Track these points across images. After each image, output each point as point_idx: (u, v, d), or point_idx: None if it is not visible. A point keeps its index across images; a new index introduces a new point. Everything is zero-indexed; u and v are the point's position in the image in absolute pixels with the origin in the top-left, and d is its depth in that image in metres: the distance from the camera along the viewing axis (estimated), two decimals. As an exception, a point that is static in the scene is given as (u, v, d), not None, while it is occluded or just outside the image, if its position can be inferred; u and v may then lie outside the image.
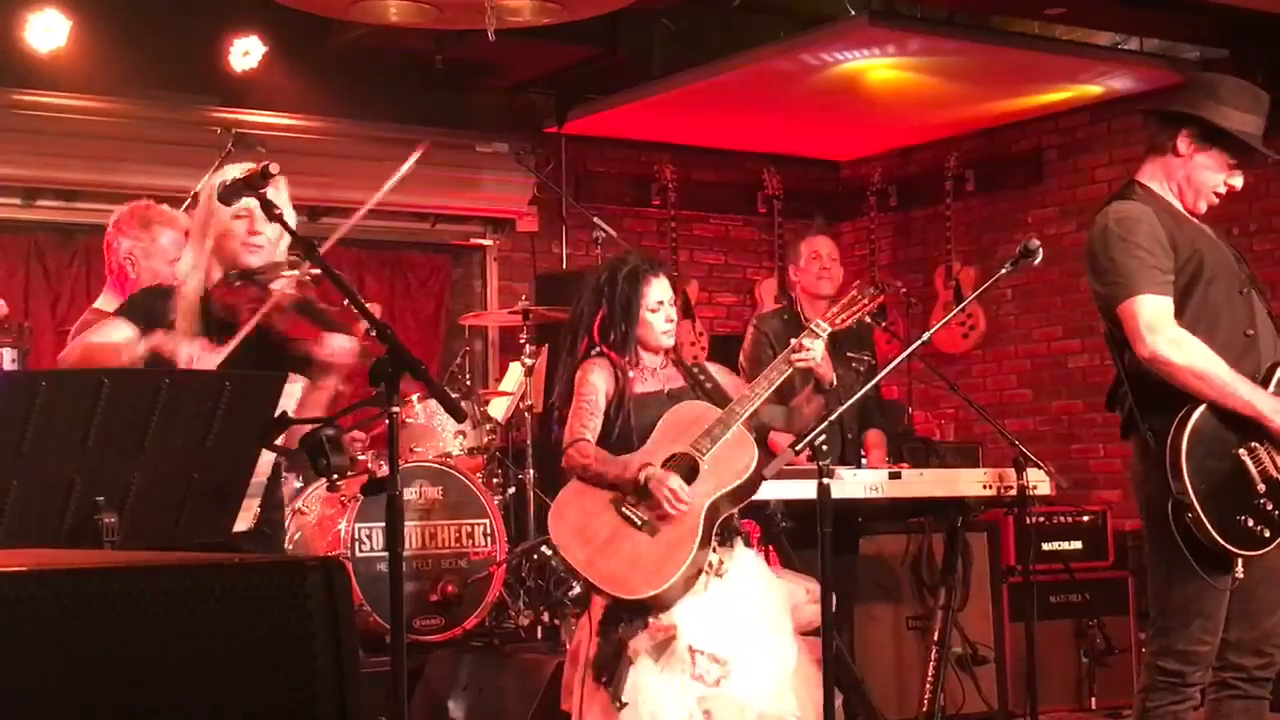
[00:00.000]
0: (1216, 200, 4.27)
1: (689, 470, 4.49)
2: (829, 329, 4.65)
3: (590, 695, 4.46)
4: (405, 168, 3.96)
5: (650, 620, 4.42)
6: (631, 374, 4.68)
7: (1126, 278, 4.10)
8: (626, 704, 4.35)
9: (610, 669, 4.41)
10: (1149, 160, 4.32)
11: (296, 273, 3.85)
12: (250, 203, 3.79)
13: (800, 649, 4.53)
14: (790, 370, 4.58)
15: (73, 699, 1.52)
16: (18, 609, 1.47)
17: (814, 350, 4.58)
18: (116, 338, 3.85)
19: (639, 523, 4.45)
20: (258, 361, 3.76)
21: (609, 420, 4.64)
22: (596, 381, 4.65)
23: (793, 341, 4.64)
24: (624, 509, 4.47)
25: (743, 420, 4.52)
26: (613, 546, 4.45)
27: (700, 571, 4.47)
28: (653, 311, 4.70)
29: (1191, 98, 4.31)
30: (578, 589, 6.47)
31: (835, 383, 4.70)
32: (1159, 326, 4.05)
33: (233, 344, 3.73)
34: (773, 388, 4.56)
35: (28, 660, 1.49)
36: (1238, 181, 4.26)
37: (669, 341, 4.76)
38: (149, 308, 3.94)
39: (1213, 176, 4.23)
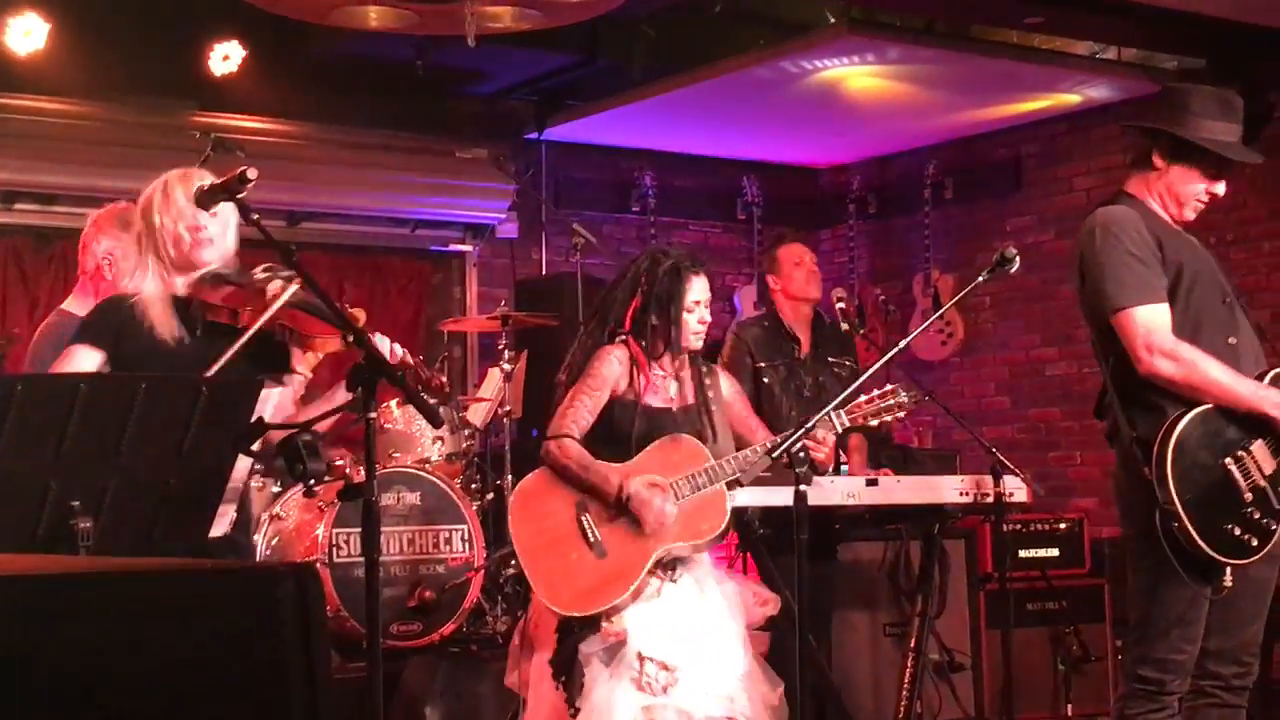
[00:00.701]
0: (1202, 206, 4.29)
1: None
2: (846, 425, 4.59)
3: (548, 691, 4.45)
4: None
5: (602, 624, 4.41)
6: (648, 375, 4.60)
7: (1120, 286, 4.11)
8: (579, 709, 4.34)
9: (567, 671, 4.41)
10: (1133, 174, 4.35)
11: (272, 277, 3.84)
12: (188, 200, 3.81)
13: (749, 650, 4.52)
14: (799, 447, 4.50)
15: (42, 706, 1.51)
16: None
17: (827, 446, 4.56)
18: (86, 368, 3.83)
19: (591, 540, 4.44)
20: (267, 360, 3.77)
21: (609, 413, 4.57)
22: (608, 373, 4.57)
23: (814, 432, 4.46)
24: (582, 518, 4.46)
25: (724, 481, 4.48)
26: (559, 551, 4.44)
27: (648, 580, 4.46)
28: (689, 311, 4.64)
29: (1162, 112, 4.33)
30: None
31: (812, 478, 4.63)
32: (1156, 341, 4.07)
33: (241, 342, 3.70)
34: (769, 460, 4.44)
35: (-2, 666, 1.49)
36: (1219, 189, 4.28)
37: (698, 344, 4.70)
38: (116, 325, 3.90)
39: (1191, 187, 4.25)
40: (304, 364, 3.94)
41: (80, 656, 1.53)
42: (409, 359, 3.98)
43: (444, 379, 4.11)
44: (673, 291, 4.63)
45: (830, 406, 4.39)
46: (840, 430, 4.58)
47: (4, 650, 1.48)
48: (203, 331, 3.85)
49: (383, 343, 3.88)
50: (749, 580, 4.74)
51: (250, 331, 3.69)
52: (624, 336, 4.64)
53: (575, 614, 4.40)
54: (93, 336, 3.89)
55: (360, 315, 3.97)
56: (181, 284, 3.93)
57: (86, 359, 3.84)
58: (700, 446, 4.56)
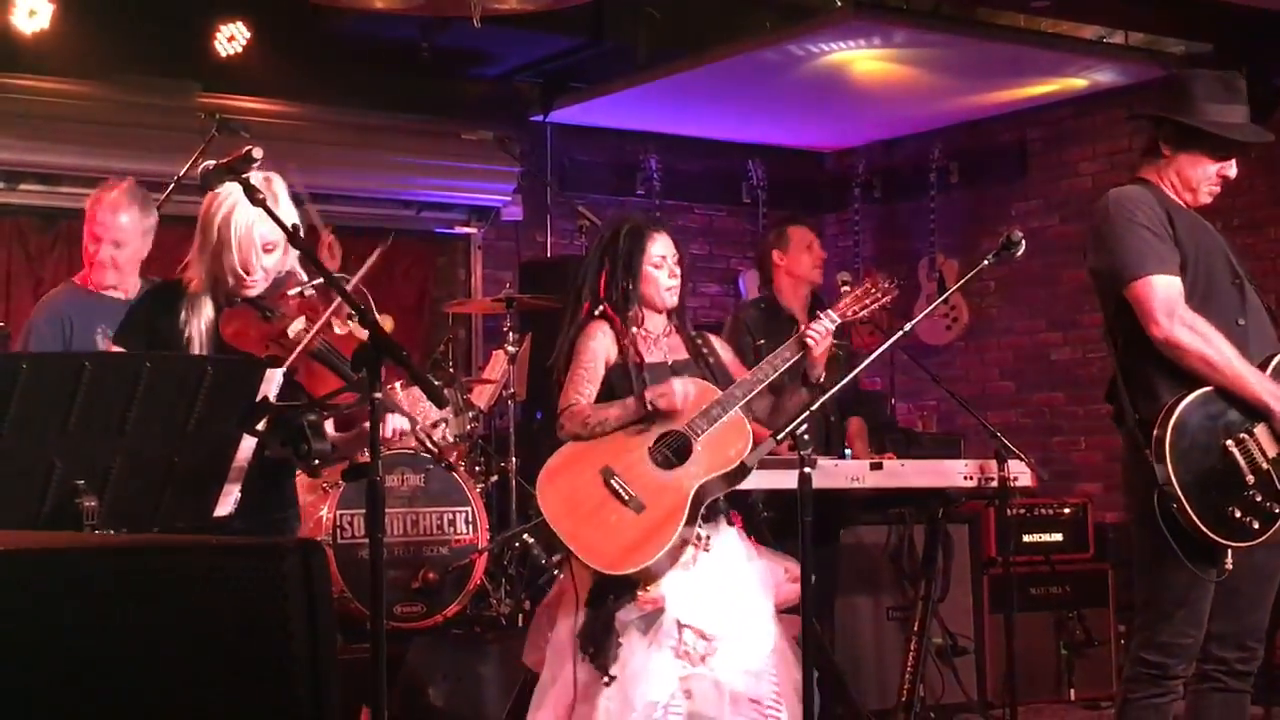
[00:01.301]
0: (1216, 190, 4.27)
1: (683, 449, 4.48)
2: (839, 320, 4.63)
3: (579, 667, 4.45)
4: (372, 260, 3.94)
5: (639, 592, 4.42)
6: (638, 336, 4.63)
7: (1136, 256, 4.11)
8: (615, 678, 4.34)
9: (598, 642, 4.39)
10: (1145, 162, 4.35)
11: (293, 318, 3.83)
12: (250, 238, 3.79)
13: (778, 628, 4.53)
14: (799, 355, 4.57)
15: (49, 678, 1.52)
16: (-5, 588, 1.47)
17: (827, 337, 4.58)
18: None
19: (626, 497, 4.43)
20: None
21: (609, 385, 4.59)
22: (596, 347, 4.60)
23: (808, 327, 4.61)
24: (612, 481, 4.45)
25: (741, 405, 4.51)
26: (598, 518, 4.43)
27: (684, 546, 4.47)
28: (655, 267, 4.65)
29: (1165, 99, 4.35)
30: (560, 575, 6.48)
31: (823, 378, 4.68)
32: (1173, 309, 4.06)
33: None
34: (777, 373, 4.53)
35: (3, 641, 1.49)
36: (1230, 171, 4.27)
37: (672, 300, 4.71)
38: (153, 326, 3.88)
39: (1201, 171, 4.25)
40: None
41: (87, 630, 1.53)
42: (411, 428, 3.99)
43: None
44: (633, 250, 4.65)
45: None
46: (834, 325, 4.61)
47: (14, 623, 1.48)
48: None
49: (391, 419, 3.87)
50: (779, 556, 4.72)
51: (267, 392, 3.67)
52: (601, 309, 4.66)
53: (632, 569, 4.37)
54: (128, 334, 3.91)
55: (388, 323, 3.97)
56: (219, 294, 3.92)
57: None
58: (704, 383, 4.57)
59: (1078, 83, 8.60)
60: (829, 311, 4.65)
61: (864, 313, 4.70)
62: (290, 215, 3.85)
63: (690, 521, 4.43)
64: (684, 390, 4.47)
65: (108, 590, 1.56)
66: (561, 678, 4.45)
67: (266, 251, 3.89)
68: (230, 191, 3.81)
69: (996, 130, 9.42)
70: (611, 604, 4.41)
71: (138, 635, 1.58)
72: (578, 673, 4.42)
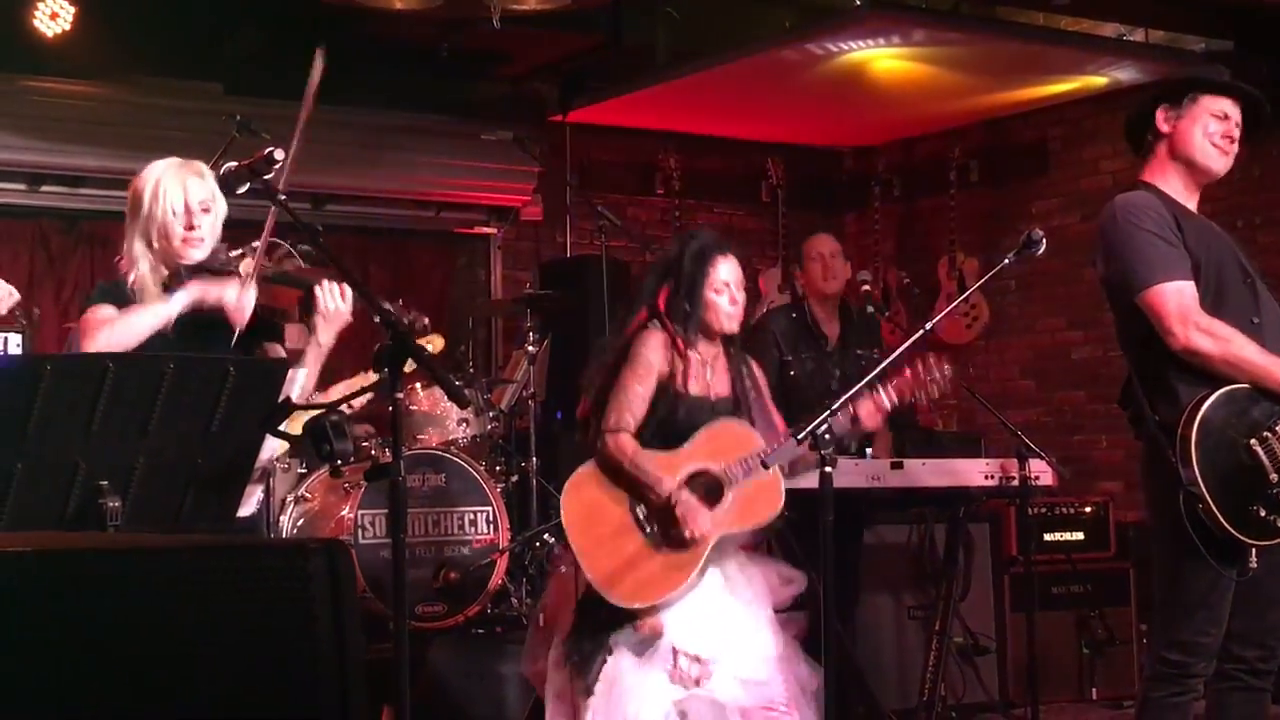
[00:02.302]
0: (1228, 146, 4.26)
1: (714, 491, 4.47)
2: (894, 404, 4.55)
3: (555, 667, 4.44)
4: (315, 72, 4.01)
5: (638, 621, 4.40)
6: (688, 360, 4.57)
7: (1144, 265, 4.11)
8: (595, 694, 4.33)
9: (584, 654, 4.39)
10: (1147, 163, 4.34)
11: (242, 255, 3.88)
12: (182, 197, 3.84)
13: (778, 633, 4.52)
14: (847, 430, 4.50)
15: (75, 680, 1.53)
16: (20, 590, 1.48)
17: (877, 420, 4.55)
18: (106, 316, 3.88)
19: (646, 530, 4.43)
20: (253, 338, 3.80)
21: (657, 402, 4.54)
22: (653, 358, 4.53)
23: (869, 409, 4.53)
24: (637, 509, 4.45)
25: (777, 462, 4.42)
26: (614, 544, 4.42)
27: (687, 593, 4.45)
28: (718, 293, 4.61)
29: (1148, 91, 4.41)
30: (554, 576, 6.48)
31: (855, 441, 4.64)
32: (1189, 317, 4.06)
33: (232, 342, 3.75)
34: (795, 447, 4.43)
35: (31, 641, 1.50)
36: (1233, 111, 4.27)
37: (732, 326, 4.66)
38: (120, 299, 3.93)
39: (1204, 130, 4.25)
40: (306, 339, 3.97)
41: (113, 630, 1.54)
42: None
43: (425, 320, 4.14)
44: (698, 274, 4.61)
45: (851, 392, 4.37)
46: (888, 409, 4.55)
47: (40, 622, 1.50)
48: (189, 323, 3.85)
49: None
50: (771, 561, 4.73)
51: (238, 332, 3.73)
52: (658, 321, 4.61)
53: (639, 605, 4.36)
54: (110, 299, 3.93)
55: (438, 342, 4.04)
56: (163, 273, 3.94)
57: (106, 314, 3.88)
58: (749, 430, 4.54)
59: (1098, 80, 8.58)
60: (888, 389, 4.53)
61: (917, 395, 4.58)
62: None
63: (703, 571, 4.43)
64: (707, 529, 4.41)
65: (132, 590, 1.57)
66: (568, 689, 4.45)
67: (204, 211, 3.94)
68: (153, 167, 3.98)
69: (1017, 128, 9.40)
70: (605, 617, 4.40)
71: (163, 635, 1.59)
72: (561, 679, 4.42)
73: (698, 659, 4.35)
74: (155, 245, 3.93)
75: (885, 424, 4.67)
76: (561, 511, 4.51)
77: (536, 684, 4.65)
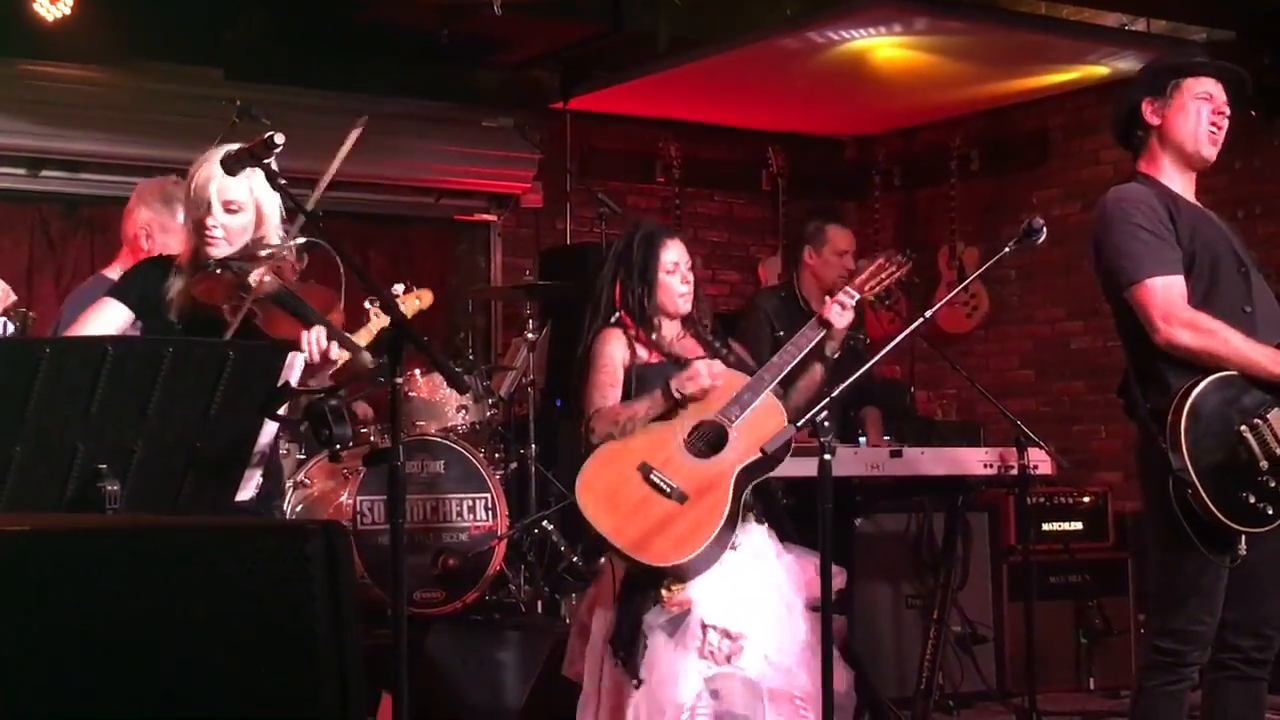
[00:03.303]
0: (1218, 131, 4.27)
1: (718, 438, 4.48)
2: (858, 296, 4.63)
3: (607, 669, 4.45)
4: (350, 140, 3.98)
5: (664, 593, 4.41)
6: (654, 340, 4.66)
7: (1132, 261, 4.13)
8: (643, 681, 4.35)
9: (627, 646, 4.40)
10: (1141, 156, 4.35)
11: (275, 252, 3.87)
12: (208, 191, 3.85)
13: (809, 624, 4.53)
14: (820, 334, 4.57)
15: (71, 659, 1.53)
16: (19, 569, 1.48)
17: (848, 313, 4.59)
18: (108, 320, 3.89)
19: (668, 490, 4.43)
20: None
21: (628, 387, 4.62)
22: (613, 351, 4.64)
23: (827, 300, 4.65)
24: (652, 476, 4.45)
25: (771, 387, 4.50)
26: (641, 513, 4.41)
27: (730, 538, 4.47)
28: (669, 273, 4.70)
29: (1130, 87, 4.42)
30: (579, 562, 6.49)
31: (839, 353, 4.70)
32: (1172, 313, 4.07)
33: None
34: (803, 353, 4.54)
35: (28, 619, 1.50)
36: (1217, 91, 4.29)
37: (686, 306, 4.74)
38: (144, 289, 3.95)
39: (1192, 116, 4.26)
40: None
41: (111, 610, 1.54)
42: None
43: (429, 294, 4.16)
44: (648, 258, 4.71)
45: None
46: (853, 301, 4.62)
47: (37, 601, 1.49)
48: (191, 320, 3.87)
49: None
50: (809, 554, 4.71)
51: (229, 332, 3.73)
52: (617, 317, 4.71)
53: (684, 559, 4.37)
54: (123, 293, 3.96)
55: (427, 296, 4.03)
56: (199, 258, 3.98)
57: (115, 312, 3.90)
58: (730, 370, 4.59)
59: (1100, 70, 8.57)
60: (847, 288, 4.66)
61: (880, 288, 4.72)
62: (268, 194, 3.98)
63: (734, 510, 4.44)
64: (708, 368, 4.48)
65: (130, 571, 1.57)
66: (609, 683, 4.46)
67: (229, 211, 3.94)
68: (206, 155, 3.96)
69: (1018, 118, 9.39)
70: (638, 606, 4.42)
71: (161, 616, 1.59)
72: (609, 675, 4.43)
73: (727, 634, 4.37)
74: (188, 231, 4.02)
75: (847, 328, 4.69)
76: (582, 510, 4.50)
77: (579, 681, 4.66)
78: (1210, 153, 4.29)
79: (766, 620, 4.46)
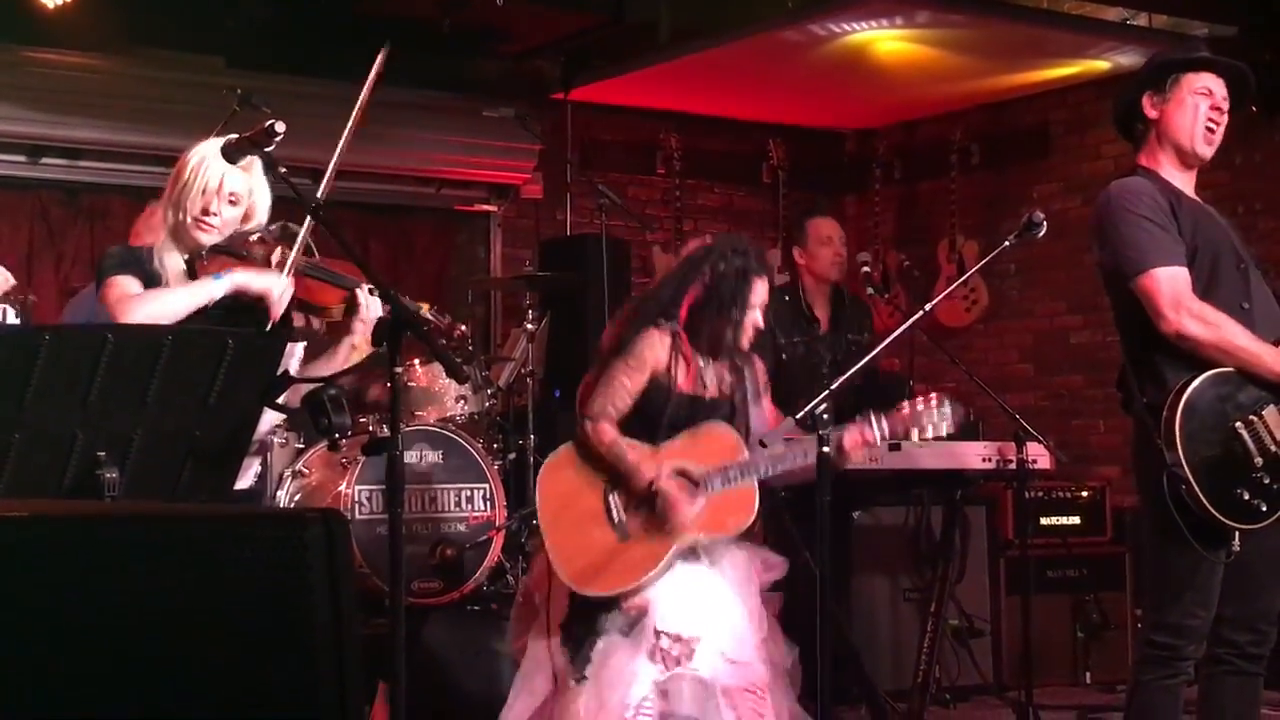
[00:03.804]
0: (1216, 127, 4.28)
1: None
2: (885, 438, 4.50)
3: (550, 652, 4.44)
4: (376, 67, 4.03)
5: (623, 602, 4.41)
6: (690, 365, 4.56)
7: (1138, 251, 4.12)
8: (586, 678, 4.34)
9: (578, 639, 4.39)
10: (1140, 152, 4.35)
11: (273, 246, 3.91)
12: (216, 180, 3.87)
13: (762, 614, 4.52)
14: (830, 455, 4.46)
15: (69, 645, 1.53)
16: (17, 554, 1.48)
17: (862, 453, 4.50)
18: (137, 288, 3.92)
19: (615, 520, 4.43)
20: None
21: (645, 396, 4.54)
22: (650, 356, 4.50)
23: (854, 434, 4.47)
24: (610, 497, 4.44)
25: (761, 476, 4.45)
26: (581, 529, 4.42)
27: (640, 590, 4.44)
28: (750, 317, 4.58)
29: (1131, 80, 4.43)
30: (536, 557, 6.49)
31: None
32: (1180, 302, 4.07)
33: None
34: (806, 459, 4.34)
35: (26, 606, 1.50)
36: (1217, 87, 4.28)
37: (746, 345, 4.62)
38: (144, 269, 3.96)
39: (1190, 111, 4.27)
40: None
41: (109, 597, 1.54)
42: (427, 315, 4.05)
43: (463, 328, 4.20)
44: (737, 295, 4.55)
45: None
46: (877, 442, 4.49)
47: (35, 587, 1.49)
48: (222, 307, 3.89)
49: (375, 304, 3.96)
50: (755, 546, 4.69)
51: (272, 321, 3.76)
52: (675, 327, 4.57)
53: (587, 592, 4.38)
54: (131, 268, 3.95)
55: (424, 310, 4.09)
56: (185, 246, 3.99)
57: (133, 285, 3.90)
58: (735, 437, 4.53)
59: (1101, 65, 8.56)
60: (883, 424, 4.46)
61: (915, 433, 4.50)
62: (263, 185, 4.06)
63: (664, 569, 4.41)
64: (687, 518, 4.40)
65: (129, 556, 1.57)
66: (541, 669, 4.45)
67: (230, 203, 3.99)
68: (205, 144, 4.00)
69: (1019, 112, 9.38)
70: (595, 601, 4.40)
71: (157, 602, 1.59)
72: (557, 665, 4.42)
73: (679, 638, 4.34)
74: (177, 217, 4.00)
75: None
76: (536, 489, 4.51)
77: (520, 659, 4.65)
78: (1206, 151, 4.29)
79: (721, 619, 4.43)
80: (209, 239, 3.97)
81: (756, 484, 4.48)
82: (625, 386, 4.51)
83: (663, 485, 4.40)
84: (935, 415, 4.47)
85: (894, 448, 5.78)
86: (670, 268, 4.89)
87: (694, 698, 4.35)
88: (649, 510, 4.44)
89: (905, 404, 4.50)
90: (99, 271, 4.03)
